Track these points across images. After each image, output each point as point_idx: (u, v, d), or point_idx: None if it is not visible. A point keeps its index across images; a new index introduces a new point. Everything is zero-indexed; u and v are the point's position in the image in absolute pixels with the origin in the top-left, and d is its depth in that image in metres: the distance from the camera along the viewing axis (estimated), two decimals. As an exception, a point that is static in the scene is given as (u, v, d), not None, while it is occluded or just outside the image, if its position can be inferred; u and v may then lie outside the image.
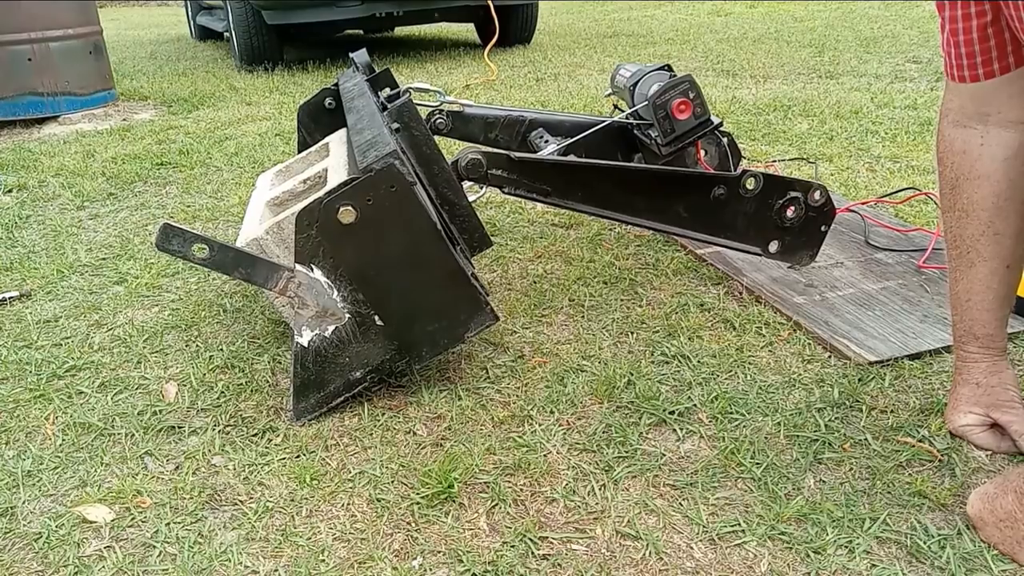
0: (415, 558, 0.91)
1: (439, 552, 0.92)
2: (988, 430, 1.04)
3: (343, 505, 1.00)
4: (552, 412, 1.17)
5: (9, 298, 1.64)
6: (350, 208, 1.08)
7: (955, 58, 0.94)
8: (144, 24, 10.01)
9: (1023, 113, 0.94)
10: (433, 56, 5.00)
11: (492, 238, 1.40)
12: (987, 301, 1.02)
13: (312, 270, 1.13)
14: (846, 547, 0.89)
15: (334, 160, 1.44)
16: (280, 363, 1.34)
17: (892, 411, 1.13)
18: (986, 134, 0.96)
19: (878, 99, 3.03)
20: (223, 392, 1.26)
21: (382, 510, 0.99)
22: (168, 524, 0.98)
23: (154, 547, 0.95)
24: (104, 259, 1.86)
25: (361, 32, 5.92)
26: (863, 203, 1.85)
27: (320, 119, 1.72)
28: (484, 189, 1.37)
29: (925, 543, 0.89)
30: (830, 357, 1.28)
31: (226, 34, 5.56)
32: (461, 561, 0.90)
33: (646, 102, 1.66)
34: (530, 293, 1.55)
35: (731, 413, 1.15)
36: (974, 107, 0.96)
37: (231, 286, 1.65)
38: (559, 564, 0.90)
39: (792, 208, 1.41)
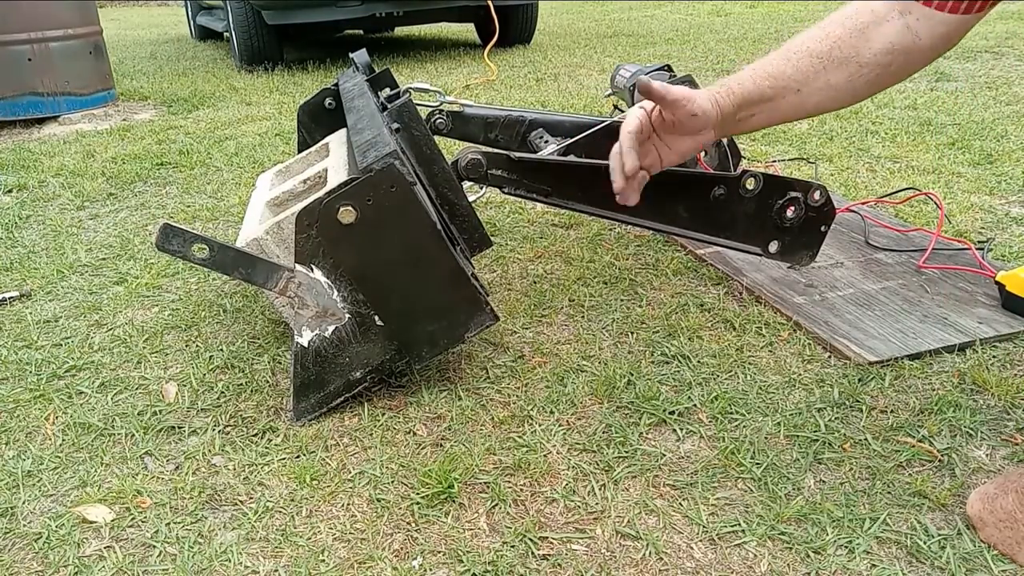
0: (415, 558, 0.91)
1: (439, 552, 0.92)
2: None
3: (343, 505, 1.00)
4: (552, 412, 1.17)
5: (9, 298, 1.64)
6: (350, 208, 1.08)
7: None
8: (144, 24, 10.01)
9: None
10: (433, 56, 5.00)
11: (492, 238, 1.40)
12: None
13: (312, 270, 1.13)
14: (846, 547, 0.90)
15: (334, 160, 1.44)
16: (280, 363, 1.34)
17: (892, 411, 1.13)
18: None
19: (878, 99, 3.03)
20: (223, 392, 1.26)
21: (382, 510, 0.99)
22: (168, 524, 0.98)
23: (154, 547, 0.95)
24: (104, 259, 1.86)
25: (361, 32, 5.92)
26: (863, 203, 1.85)
27: (320, 119, 1.72)
28: (484, 189, 1.37)
29: (925, 543, 0.89)
30: (830, 357, 1.28)
31: (226, 34, 5.56)
32: (461, 561, 0.90)
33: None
34: (530, 293, 1.55)
35: (731, 413, 1.15)
36: None
37: (231, 286, 1.65)
38: (559, 564, 0.90)
39: (792, 208, 1.41)
